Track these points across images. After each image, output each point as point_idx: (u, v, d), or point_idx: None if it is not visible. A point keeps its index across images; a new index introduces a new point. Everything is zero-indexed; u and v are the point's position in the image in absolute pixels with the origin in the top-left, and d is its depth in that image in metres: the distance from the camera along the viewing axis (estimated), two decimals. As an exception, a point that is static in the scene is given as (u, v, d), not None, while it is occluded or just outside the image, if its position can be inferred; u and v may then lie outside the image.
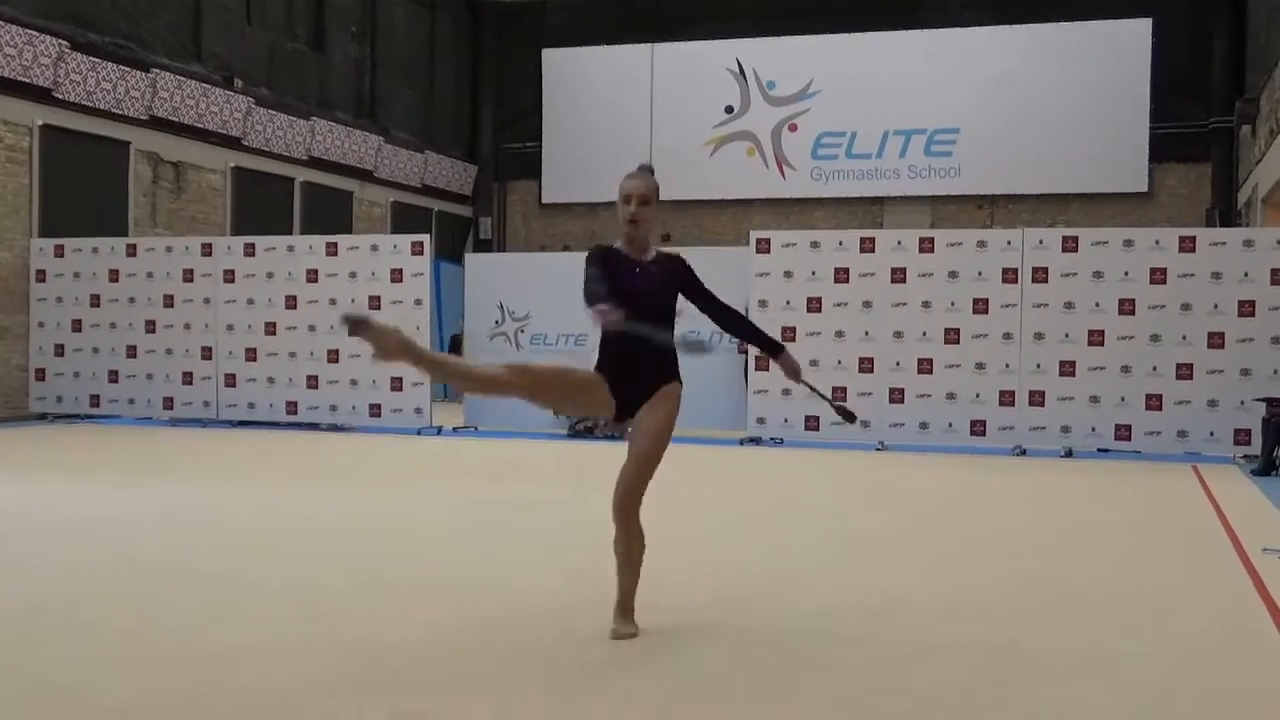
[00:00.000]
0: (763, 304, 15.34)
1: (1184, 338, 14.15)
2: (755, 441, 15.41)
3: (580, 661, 5.06)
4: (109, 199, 19.28)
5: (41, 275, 17.92)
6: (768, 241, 15.56)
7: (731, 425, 15.71)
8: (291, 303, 16.96)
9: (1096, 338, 14.42)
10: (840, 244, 15.35)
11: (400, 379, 16.48)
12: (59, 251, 17.85)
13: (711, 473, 12.56)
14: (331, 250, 16.97)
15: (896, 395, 15.01)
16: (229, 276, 17.23)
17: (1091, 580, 6.84)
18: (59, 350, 17.82)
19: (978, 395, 14.77)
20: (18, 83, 17.60)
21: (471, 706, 4.43)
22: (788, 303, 15.32)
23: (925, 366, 14.91)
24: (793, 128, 26.94)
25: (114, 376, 17.54)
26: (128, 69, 19.41)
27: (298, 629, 5.52)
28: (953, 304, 14.85)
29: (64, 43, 18.18)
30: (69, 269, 17.81)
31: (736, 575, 6.89)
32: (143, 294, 17.50)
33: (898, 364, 14.99)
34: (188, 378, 17.31)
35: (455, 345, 23.58)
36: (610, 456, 13.72)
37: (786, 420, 15.34)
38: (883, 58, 26.23)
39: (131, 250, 17.68)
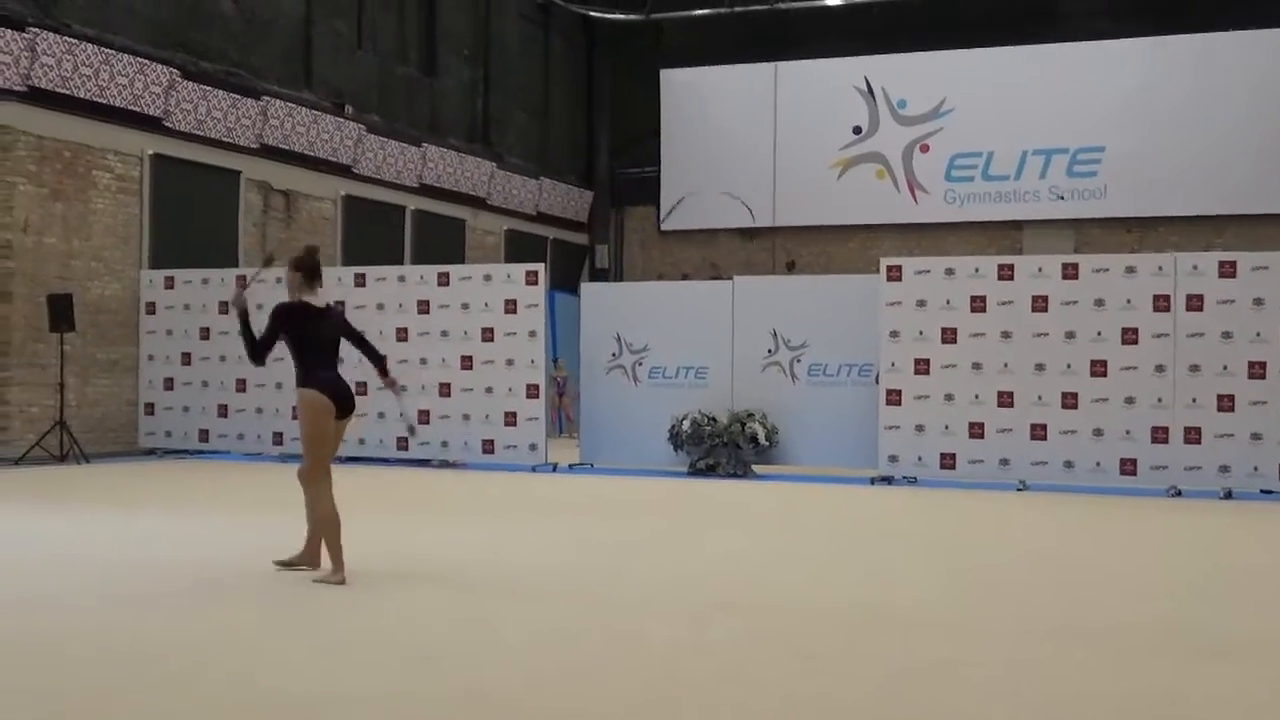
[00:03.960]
0: (894, 335, 15.17)
1: (1355, 370, 13.69)
2: (887, 481, 15.22)
3: (702, 707, 5.01)
4: (219, 229, 19.76)
5: (151, 307, 18.41)
6: (899, 268, 15.41)
7: (861, 463, 15.54)
8: (402, 335, 17.19)
9: (1257, 370, 14.01)
10: (977, 270, 15.14)
11: (514, 414, 16.60)
12: (169, 283, 18.33)
13: (838, 514, 12.42)
14: (443, 280, 17.18)
15: (1039, 432, 14.72)
16: (339, 308, 17.48)
17: (1258, 630, 6.61)
18: (168, 384, 18.26)
19: (1128, 432, 14.42)
20: (129, 112, 18.15)
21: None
22: (920, 333, 15.13)
23: (1070, 401, 14.61)
24: (925, 148, 26.71)
25: (223, 411, 17.92)
26: (238, 97, 19.92)
27: (404, 674, 5.55)
28: (1099, 334, 14.55)
29: (175, 71, 18.72)
30: (179, 301, 18.27)
31: (861, 616, 6.78)
32: (252, 326, 17.78)
33: (1040, 398, 14.71)
34: (296, 412, 17.59)
35: (560, 388, 23.73)
36: (732, 495, 13.70)
37: (921, 458, 15.13)
38: (1019, 73, 25.91)
39: (241, 282, 18.05)
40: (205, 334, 18.07)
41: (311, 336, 8.19)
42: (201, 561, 8.54)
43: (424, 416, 16.95)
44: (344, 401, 8.21)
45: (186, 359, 18.20)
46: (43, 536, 9.93)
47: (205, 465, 17.15)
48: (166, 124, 18.77)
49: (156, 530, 10.31)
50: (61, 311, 16.51)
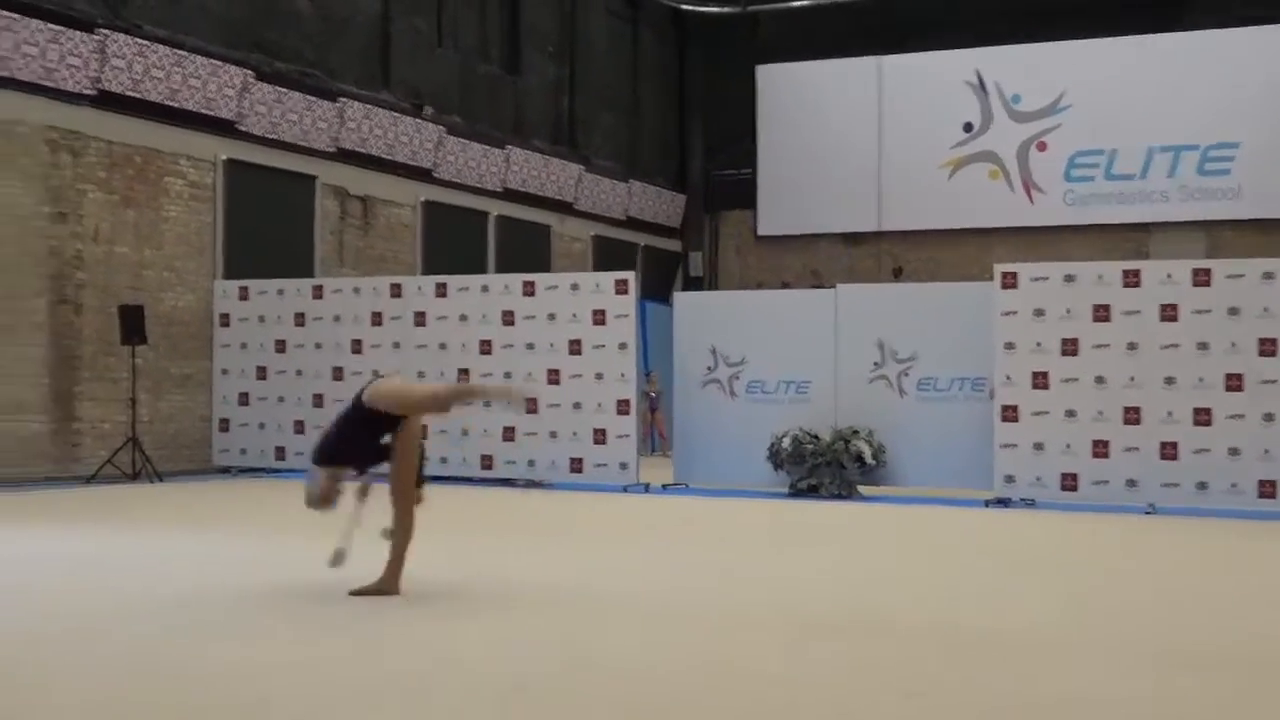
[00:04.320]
0: (1009, 346, 15.04)
1: None
2: (1003, 503, 15.08)
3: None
4: (294, 237, 20.07)
5: (225, 319, 18.73)
6: (1014, 275, 15.28)
7: (975, 484, 15.40)
8: (486, 348, 17.33)
9: None
10: (1100, 277, 14.97)
11: (604, 431, 16.67)
12: (243, 294, 18.63)
13: (949, 538, 12.33)
14: (528, 290, 17.31)
15: (1169, 451, 14.52)
16: (419, 319, 17.72)
17: None
18: (243, 399, 18.56)
19: (1266, 451, 14.18)
20: (202, 115, 18.53)
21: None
22: (1038, 344, 14.99)
23: (1203, 417, 14.39)
24: (1042, 146, 26.48)
25: (299, 427, 18.16)
26: (314, 99, 20.25)
27: (497, 706, 5.61)
28: (1234, 345, 14.33)
29: (249, 73, 19.07)
30: (253, 312, 18.56)
31: (971, 647, 6.73)
32: (329, 338, 18.11)
33: (1170, 414, 14.51)
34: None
35: (652, 404, 23.74)
36: (836, 517, 13.64)
37: (1039, 479, 14.98)
38: (1145, 64, 25.61)
39: (318, 292, 18.34)
40: (280, 347, 18.33)
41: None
42: (276, 585, 8.68)
43: (509, 434, 17.09)
44: None
45: (261, 373, 18.48)
46: (111, 558, 10.14)
47: (280, 484, 17.39)
48: (240, 127, 19.13)
49: (230, 553, 10.48)
50: (133, 323, 16.87)
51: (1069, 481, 14.86)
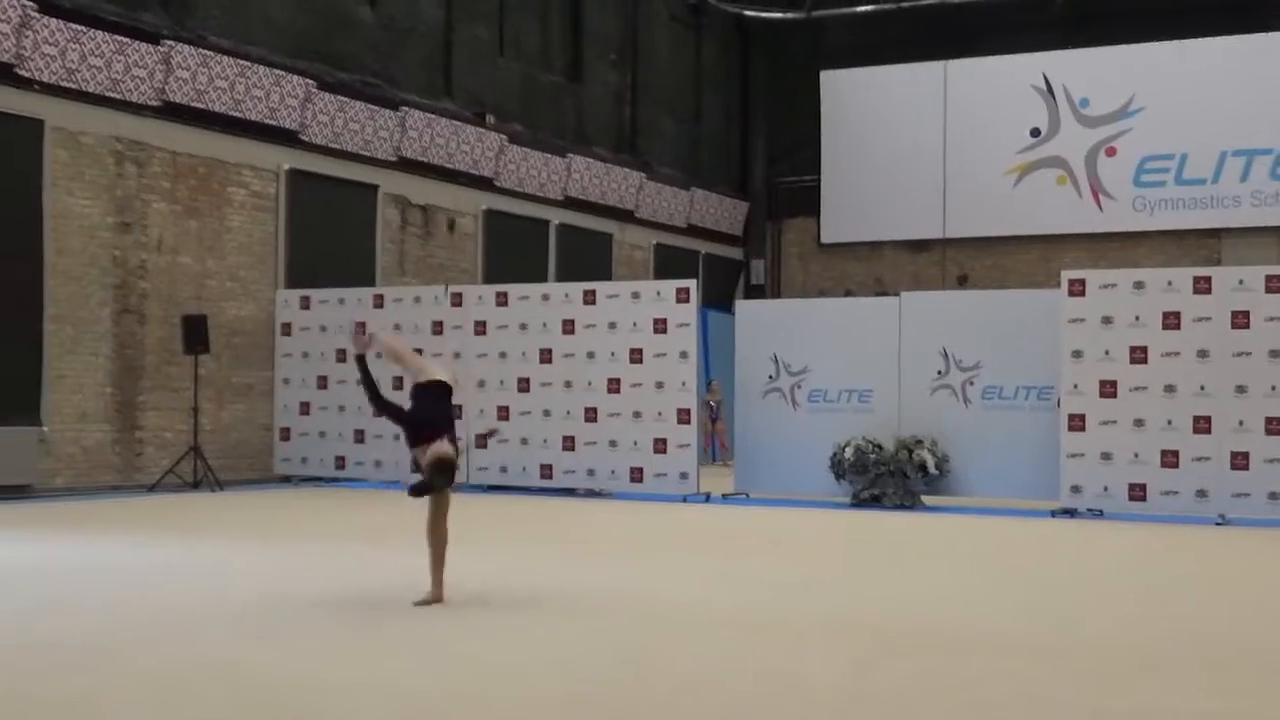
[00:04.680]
0: (1076, 354, 14.86)
1: None
2: (1069, 513, 14.90)
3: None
4: (356, 246, 20.19)
5: (287, 329, 18.85)
6: (1082, 282, 15.10)
7: (1041, 494, 15.23)
8: (546, 356, 17.34)
9: None
10: (1170, 284, 14.77)
11: (664, 440, 16.62)
12: (305, 303, 18.76)
13: (1016, 549, 12.19)
14: (589, 298, 17.30)
15: (1240, 461, 14.28)
16: (480, 328, 17.75)
17: None
18: (304, 408, 18.66)
19: (1341, 461, 13.93)
20: (265, 125, 18.67)
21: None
22: (1106, 352, 14.80)
23: (1275, 427, 14.14)
24: (1110, 151, 26.20)
25: (360, 437, 18.24)
26: (376, 108, 20.36)
27: (548, 716, 5.57)
28: (1308, 353, 14.11)
29: (311, 82, 19.19)
30: (315, 321, 18.67)
31: (1040, 661, 6.62)
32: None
33: (1241, 423, 14.27)
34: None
35: (713, 413, 23.69)
36: (899, 528, 13.53)
37: (1107, 488, 14.78)
38: (1216, 66, 25.28)
39: (379, 301, 18.42)
40: (341, 356, 18.39)
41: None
42: (335, 594, 8.69)
43: (569, 443, 17.08)
44: None
45: (322, 382, 18.58)
46: (173, 566, 10.21)
47: (340, 493, 17.50)
48: (303, 137, 19.26)
49: (291, 561, 10.52)
50: (196, 333, 17.02)
51: (1137, 492, 14.65)
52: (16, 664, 6.46)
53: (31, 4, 15.82)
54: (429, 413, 8.31)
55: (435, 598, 8.20)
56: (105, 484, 16.65)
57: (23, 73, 15.86)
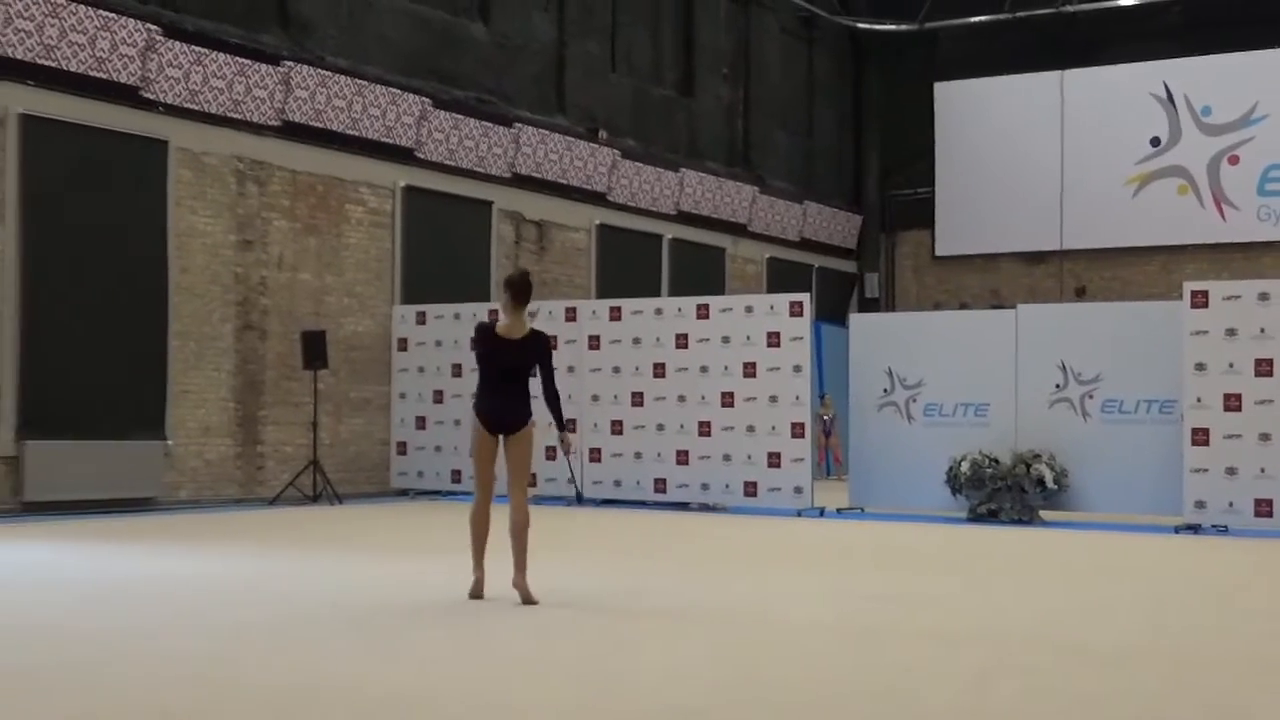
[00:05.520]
0: (1199, 367, 14.59)
1: None
2: (1193, 529, 14.62)
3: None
4: (471, 261, 20.40)
5: (403, 344, 19.10)
6: (1205, 294, 14.83)
7: (1163, 509, 14.97)
8: (660, 371, 17.38)
9: None
10: (1296, 295, 14.48)
11: (778, 454, 16.57)
12: (421, 318, 18.99)
13: (1138, 565, 11.99)
14: (702, 312, 17.31)
15: (1371, 475, 13.93)
16: (594, 343, 17.85)
17: None
18: (420, 423, 18.89)
19: None
20: (381, 144, 18.95)
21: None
22: (1231, 365, 14.51)
23: None
24: (1233, 160, 25.72)
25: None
26: (490, 125, 20.57)
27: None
28: None
29: (426, 100, 19.45)
30: (430, 337, 18.89)
31: (1165, 684, 6.51)
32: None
33: (1372, 438, 13.93)
34: (550, 453, 17.93)
35: (827, 427, 23.57)
36: (1017, 543, 13.36)
37: (1232, 504, 14.48)
38: (1345, 73, 24.71)
39: (493, 316, 18.55)
40: (457, 371, 18.61)
41: (487, 362, 9.15)
42: (446, 604, 8.78)
43: (682, 457, 17.10)
44: (495, 420, 9.05)
45: (438, 397, 18.80)
46: (293, 577, 10.38)
47: (456, 506, 17.64)
48: (418, 154, 19.52)
49: (410, 573, 10.65)
50: (315, 348, 17.30)
51: (1264, 507, 14.34)
52: (141, 677, 6.60)
53: (156, 27, 16.22)
54: None
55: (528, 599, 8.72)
56: (227, 497, 16.99)
57: (148, 95, 16.27)
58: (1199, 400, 14.62)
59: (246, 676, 6.59)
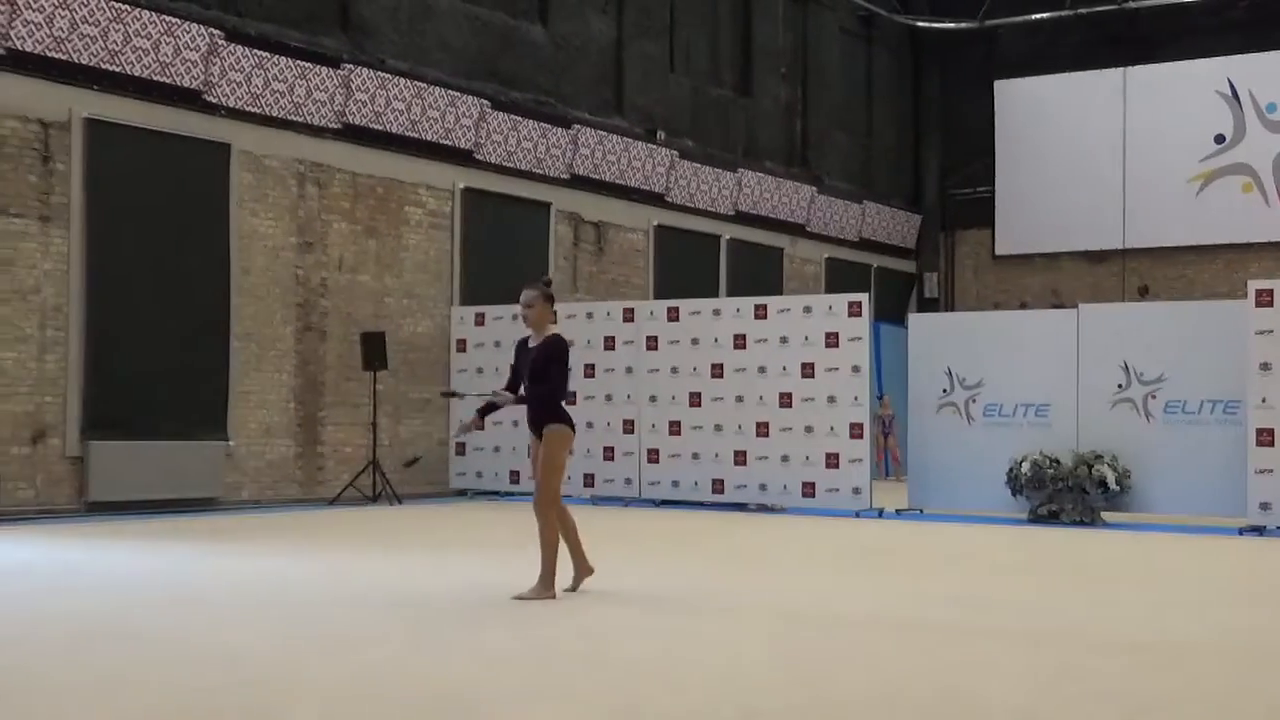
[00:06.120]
0: (1264, 367, 14.42)
1: None
2: (1258, 531, 14.45)
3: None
4: (529, 262, 20.40)
5: (462, 345, 19.20)
6: (1270, 293, 14.65)
7: (1228, 511, 14.81)
8: (718, 371, 17.37)
9: None
10: (1363, 294, 14.28)
11: (836, 455, 16.53)
12: (479, 320, 19.08)
13: (1202, 568, 11.87)
14: (760, 313, 17.29)
15: None
16: (651, 343, 17.86)
17: None
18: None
19: None
20: (440, 146, 19.06)
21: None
22: (1297, 365, 14.35)
23: None
24: (1300, 157, 25.43)
25: (531, 452, 18.40)
26: (548, 126, 20.64)
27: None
28: None
29: (485, 102, 19.54)
30: (489, 337, 18.96)
31: (1231, 691, 6.45)
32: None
33: None
34: (609, 453, 18.02)
35: (886, 427, 23.49)
36: (1079, 544, 13.26)
37: (1298, 506, 14.31)
38: None
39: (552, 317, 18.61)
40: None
41: (513, 369, 10.03)
42: (504, 603, 8.82)
43: (740, 458, 17.08)
44: (529, 422, 9.97)
45: (497, 397, 18.82)
46: (351, 576, 10.46)
47: (514, 507, 17.70)
48: (477, 156, 19.61)
49: (468, 572, 10.71)
50: (375, 350, 17.42)
51: (1331, 509, 14.17)
52: (199, 677, 6.67)
53: (219, 32, 16.39)
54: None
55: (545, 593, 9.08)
56: (288, 497, 17.14)
57: (210, 98, 16.44)
58: (1264, 400, 14.45)
59: (305, 674, 6.65)
